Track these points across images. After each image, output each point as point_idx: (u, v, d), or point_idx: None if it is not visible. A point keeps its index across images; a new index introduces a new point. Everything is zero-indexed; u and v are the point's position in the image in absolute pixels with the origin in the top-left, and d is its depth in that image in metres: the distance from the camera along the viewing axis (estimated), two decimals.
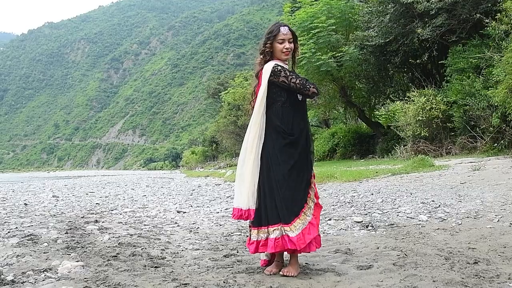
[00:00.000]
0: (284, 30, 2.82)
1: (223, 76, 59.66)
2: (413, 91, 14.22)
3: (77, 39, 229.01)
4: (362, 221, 4.51)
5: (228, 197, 8.38)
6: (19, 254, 3.13)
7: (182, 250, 3.53)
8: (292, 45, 2.84)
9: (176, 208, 6.59)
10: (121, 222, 5.02)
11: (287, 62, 2.89)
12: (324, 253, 3.22)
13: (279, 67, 2.74)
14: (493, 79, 10.43)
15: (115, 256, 3.19)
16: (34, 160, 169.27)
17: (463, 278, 2.43)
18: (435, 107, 12.86)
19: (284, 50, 2.81)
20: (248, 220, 2.77)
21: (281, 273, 2.68)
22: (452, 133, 13.06)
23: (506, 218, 4.01)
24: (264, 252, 2.77)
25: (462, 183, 6.47)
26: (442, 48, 13.94)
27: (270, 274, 2.69)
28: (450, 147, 12.78)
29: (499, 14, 10.81)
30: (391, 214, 4.84)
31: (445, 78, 13.39)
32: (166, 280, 2.56)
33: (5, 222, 4.80)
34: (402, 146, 14.37)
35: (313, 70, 16.66)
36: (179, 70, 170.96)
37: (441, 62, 13.73)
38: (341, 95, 18.55)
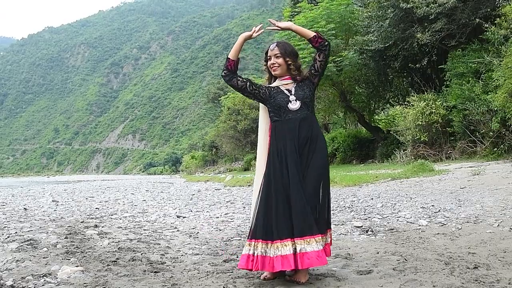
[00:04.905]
0: (271, 46, 2.83)
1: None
2: (412, 95, 14.24)
3: (77, 44, 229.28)
4: (362, 226, 4.51)
5: (227, 201, 8.37)
6: (18, 259, 3.13)
7: (182, 255, 3.52)
8: (279, 59, 2.77)
9: (176, 213, 6.57)
10: (121, 227, 5.01)
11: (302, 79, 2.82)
12: None
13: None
14: (493, 83, 10.46)
15: (114, 261, 3.18)
16: (34, 165, 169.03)
17: (463, 283, 2.43)
18: (434, 112, 12.88)
19: (271, 66, 2.82)
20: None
21: (293, 279, 2.63)
22: (452, 138, 13.07)
23: (506, 223, 4.01)
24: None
25: (462, 188, 6.48)
26: (441, 52, 13.98)
27: (267, 280, 2.68)
28: (450, 152, 12.78)
29: (498, 19, 10.85)
30: (391, 219, 4.83)
31: (445, 82, 13.42)
32: (165, 285, 2.55)
33: (5, 227, 4.79)
34: (402, 151, 14.38)
35: None
36: (179, 74, 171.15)
37: (441, 66, 13.76)
38: (341, 99, 18.59)
